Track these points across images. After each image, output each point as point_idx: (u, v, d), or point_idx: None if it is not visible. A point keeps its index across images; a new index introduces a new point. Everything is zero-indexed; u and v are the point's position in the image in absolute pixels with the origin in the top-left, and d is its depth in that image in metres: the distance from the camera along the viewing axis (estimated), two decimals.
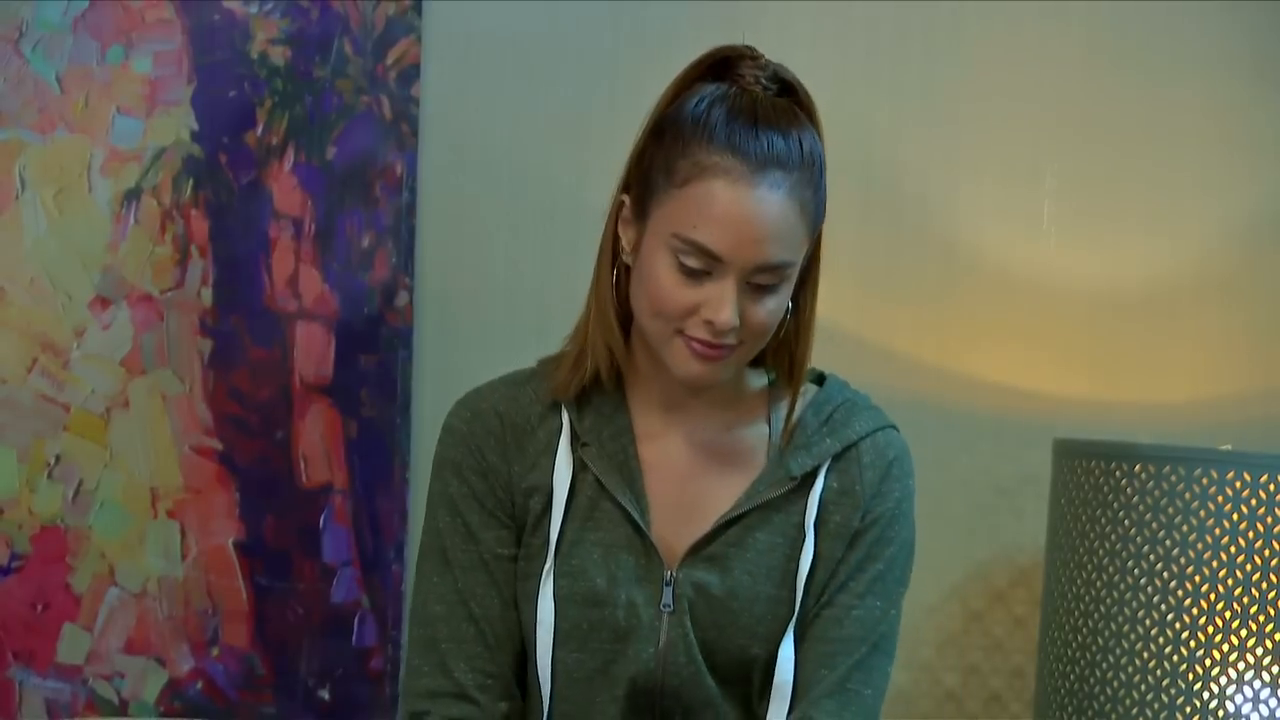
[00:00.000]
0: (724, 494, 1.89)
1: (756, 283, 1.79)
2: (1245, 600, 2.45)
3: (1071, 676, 2.55)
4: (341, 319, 2.70)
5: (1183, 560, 2.46)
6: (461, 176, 2.76)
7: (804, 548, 1.86)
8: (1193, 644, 2.46)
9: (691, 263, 1.78)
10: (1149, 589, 2.47)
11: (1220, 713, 2.45)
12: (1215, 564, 2.45)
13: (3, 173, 2.61)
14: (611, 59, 2.79)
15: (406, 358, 2.72)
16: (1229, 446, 2.57)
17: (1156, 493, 2.47)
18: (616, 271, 1.88)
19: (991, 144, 2.86)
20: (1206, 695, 2.46)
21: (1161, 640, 2.47)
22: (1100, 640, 2.51)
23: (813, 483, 1.88)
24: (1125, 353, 2.89)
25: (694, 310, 1.79)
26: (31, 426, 2.63)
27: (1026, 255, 2.86)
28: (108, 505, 2.65)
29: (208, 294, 2.67)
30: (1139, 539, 2.48)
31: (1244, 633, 2.46)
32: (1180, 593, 2.46)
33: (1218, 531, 2.45)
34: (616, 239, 1.88)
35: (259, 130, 2.68)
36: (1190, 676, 2.46)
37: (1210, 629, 2.46)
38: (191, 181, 2.67)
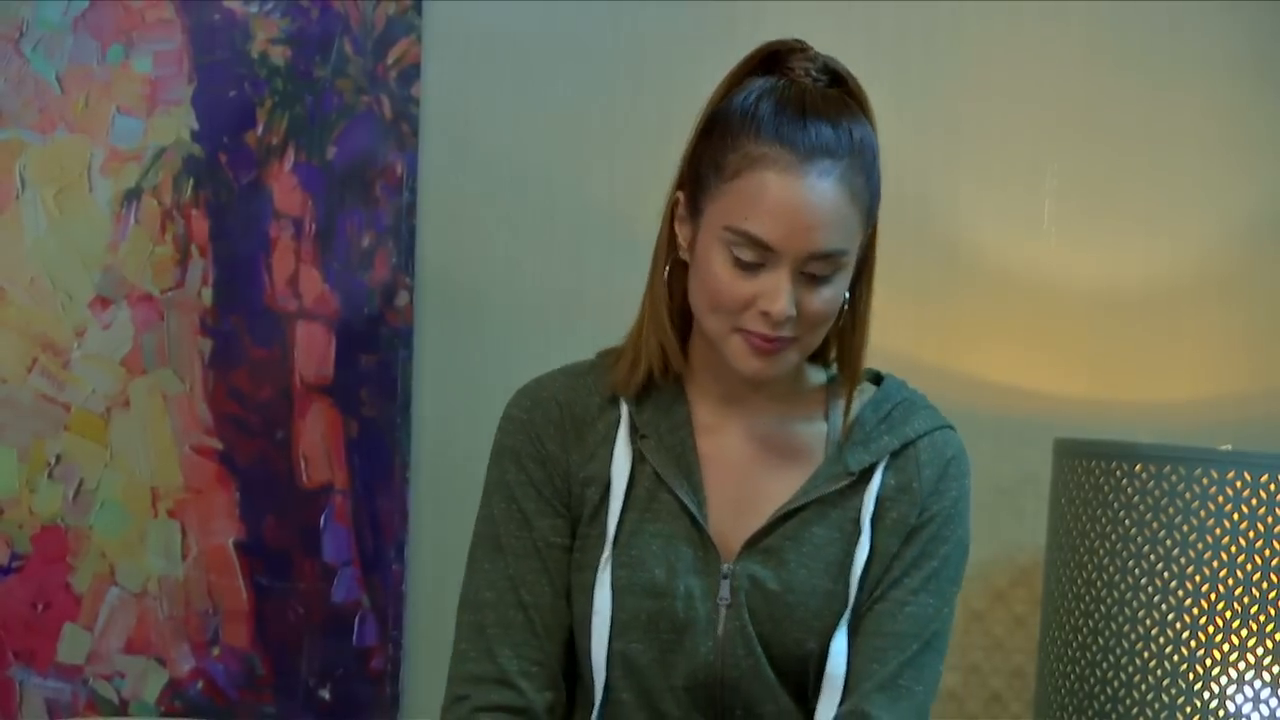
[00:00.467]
0: (781, 488, 1.89)
1: (810, 272, 1.80)
2: (1245, 600, 2.45)
3: (1072, 676, 2.55)
4: (342, 319, 2.70)
5: (1183, 560, 2.46)
6: (461, 176, 2.76)
7: (859, 543, 1.86)
8: (1193, 644, 2.46)
9: (745, 255, 1.79)
10: (1149, 589, 2.47)
11: (1221, 713, 2.45)
12: (1216, 564, 2.45)
13: (3, 172, 2.62)
14: (611, 58, 2.79)
15: (407, 357, 2.72)
16: (1229, 446, 2.57)
17: (1157, 493, 2.47)
18: (671, 269, 1.88)
19: (992, 144, 2.86)
20: (1207, 695, 2.45)
21: (1162, 640, 2.47)
22: (1100, 640, 2.51)
23: (870, 479, 1.88)
24: (1125, 353, 2.88)
25: (750, 303, 1.80)
26: (32, 426, 2.63)
27: (1027, 255, 2.86)
28: (108, 505, 2.65)
29: (208, 294, 2.67)
30: (1139, 539, 2.48)
31: (1244, 632, 2.45)
32: (1180, 592, 2.46)
33: (1218, 531, 2.45)
34: (672, 238, 1.88)
35: (259, 130, 2.68)
36: (1191, 676, 2.46)
37: (1210, 629, 2.46)
38: (192, 181, 2.67)
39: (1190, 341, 2.88)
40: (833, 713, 1.85)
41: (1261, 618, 2.46)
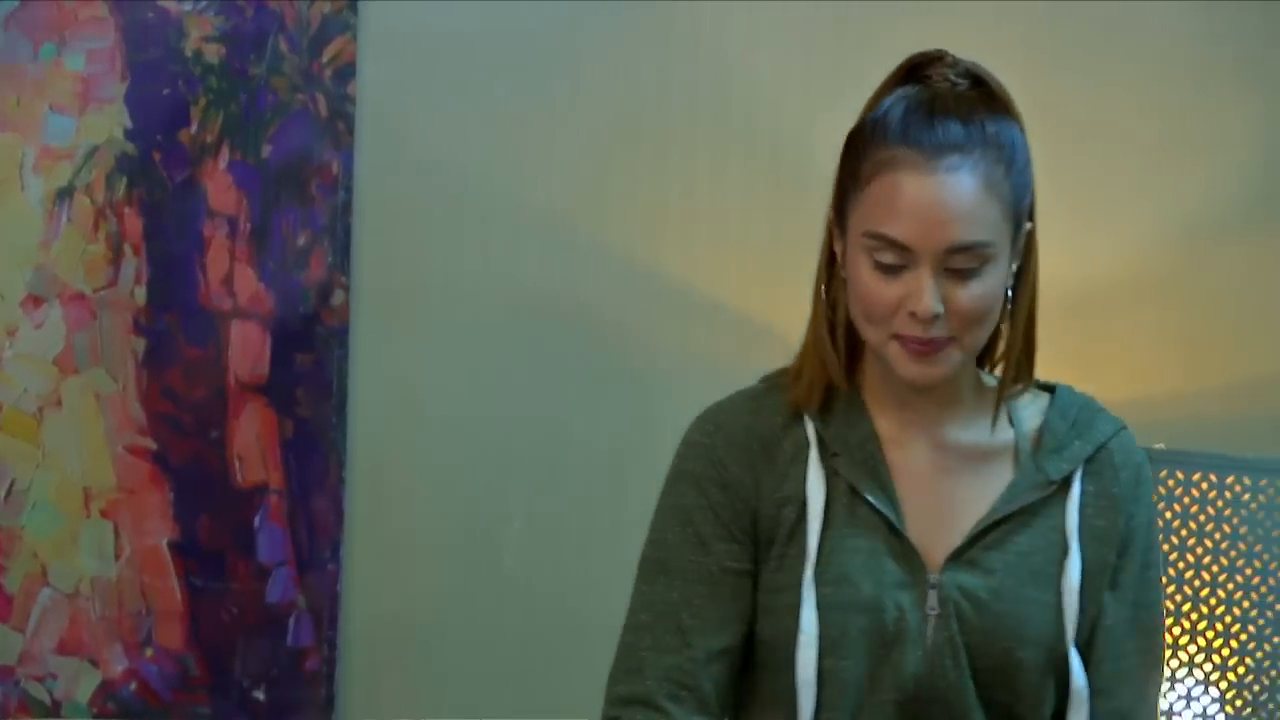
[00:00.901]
0: (975, 496, 1.88)
1: (953, 267, 1.79)
2: (1179, 598, 2.46)
3: None
4: (277, 318, 2.69)
5: None
6: (398, 175, 2.76)
7: (1069, 554, 1.86)
8: None
9: (885, 258, 1.79)
10: None
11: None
12: None
13: None
14: (549, 58, 2.79)
15: (342, 357, 2.71)
16: (1162, 445, 2.58)
17: None
18: (832, 287, 1.89)
19: None
20: None
21: None
22: None
23: (1069, 487, 1.88)
24: (1061, 351, 2.88)
25: (898, 306, 1.79)
26: None
27: None
28: (40, 505, 2.63)
29: (141, 293, 2.66)
30: None
31: (1177, 630, 2.47)
32: None
33: None
34: (832, 255, 1.89)
35: (193, 128, 2.67)
36: None
37: None
38: (125, 180, 2.65)
39: (1125, 340, 2.90)
40: None
41: (1194, 615, 2.47)
